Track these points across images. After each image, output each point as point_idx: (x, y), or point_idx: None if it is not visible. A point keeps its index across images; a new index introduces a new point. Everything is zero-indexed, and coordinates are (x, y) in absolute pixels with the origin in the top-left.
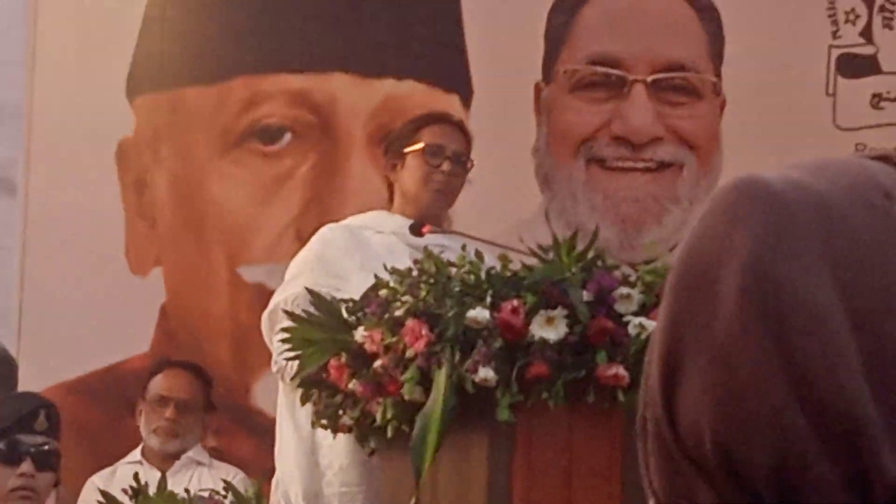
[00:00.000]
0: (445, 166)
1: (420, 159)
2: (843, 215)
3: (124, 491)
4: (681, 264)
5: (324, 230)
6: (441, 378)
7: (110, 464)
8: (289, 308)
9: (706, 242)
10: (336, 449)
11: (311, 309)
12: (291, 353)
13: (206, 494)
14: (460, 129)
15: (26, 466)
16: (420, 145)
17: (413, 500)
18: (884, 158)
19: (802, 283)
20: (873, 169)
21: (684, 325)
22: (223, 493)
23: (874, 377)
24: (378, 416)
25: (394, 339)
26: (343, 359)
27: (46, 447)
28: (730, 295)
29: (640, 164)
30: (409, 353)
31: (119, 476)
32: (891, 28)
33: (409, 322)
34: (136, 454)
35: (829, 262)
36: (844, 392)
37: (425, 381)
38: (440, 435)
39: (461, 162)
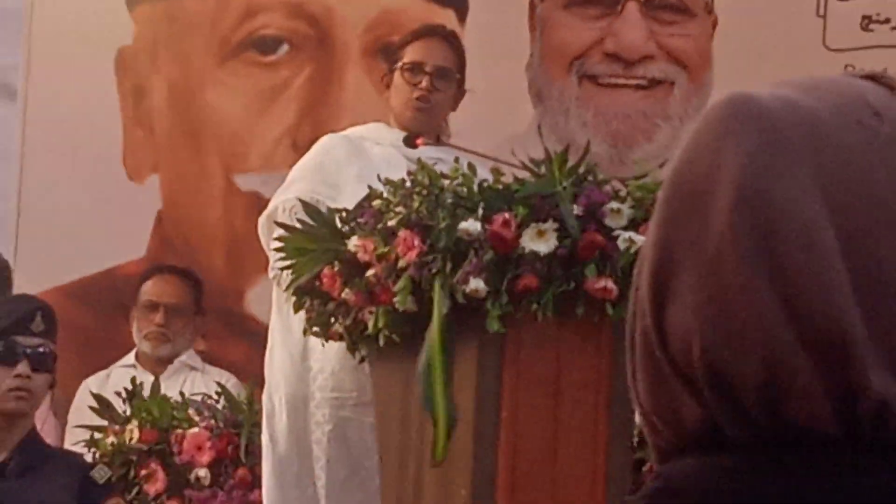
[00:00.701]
0: (425, 83)
1: (402, 77)
2: (833, 134)
3: (118, 394)
4: (672, 179)
5: (325, 139)
6: (436, 319)
7: (105, 367)
8: (283, 219)
9: (698, 158)
10: (328, 355)
11: (306, 218)
12: (285, 263)
13: (198, 398)
14: (450, 41)
15: (22, 367)
16: (399, 63)
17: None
18: (873, 78)
19: (793, 200)
20: (863, 88)
21: (675, 239)
22: (216, 397)
23: (862, 294)
24: (370, 325)
25: (386, 249)
26: (336, 268)
27: (42, 349)
28: (721, 210)
29: (632, 81)
30: (402, 264)
31: (113, 379)
32: None
33: (402, 232)
34: (130, 358)
35: (819, 180)
36: (833, 308)
37: (417, 291)
38: (444, 368)
39: (446, 76)
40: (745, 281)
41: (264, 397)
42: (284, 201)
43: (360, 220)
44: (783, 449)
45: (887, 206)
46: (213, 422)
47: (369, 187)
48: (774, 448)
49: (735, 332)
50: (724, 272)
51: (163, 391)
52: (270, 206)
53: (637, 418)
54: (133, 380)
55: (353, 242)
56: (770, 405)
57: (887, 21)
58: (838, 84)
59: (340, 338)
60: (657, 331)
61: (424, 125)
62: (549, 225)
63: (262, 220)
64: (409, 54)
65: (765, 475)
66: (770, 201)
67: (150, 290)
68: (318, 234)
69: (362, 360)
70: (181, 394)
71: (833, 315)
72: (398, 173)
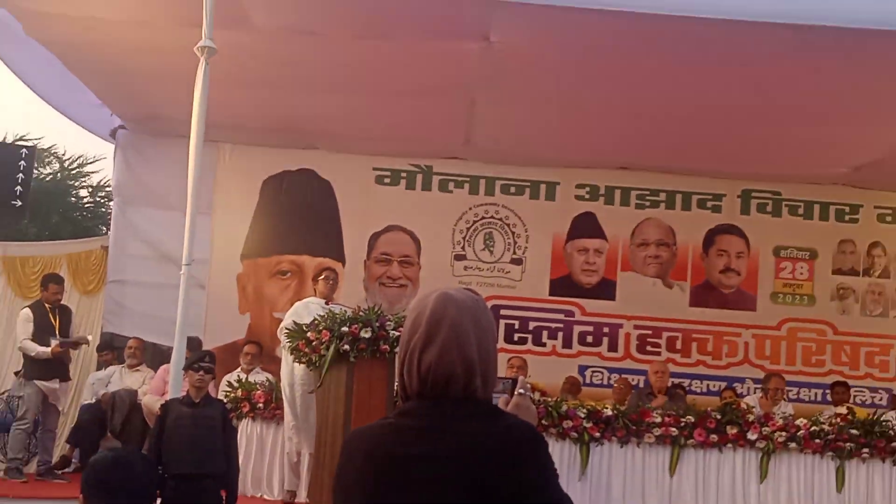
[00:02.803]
0: (327, 287)
1: (319, 283)
2: (473, 306)
3: (235, 381)
4: (429, 317)
5: (297, 303)
6: (327, 358)
7: (229, 372)
8: (286, 327)
9: (437, 310)
10: (300, 370)
11: (293, 327)
12: (287, 340)
13: (260, 381)
14: (334, 272)
15: (201, 374)
16: (318, 279)
17: (316, 388)
18: (468, 288)
19: (467, 329)
20: (467, 290)
21: (430, 333)
22: (266, 382)
23: (479, 353)
24: (314, 360)
25: (318, 335)
26: (303, 342)
27: (209, 365)
28: (445, 329)
29: (396, 284)
30: (324, 341)
31: (233, 377)
32: (470, 247)
33: (324, 332)
34: (238, 370)
35: (472, 324)
36: (471, 356)
37: (329, 353)
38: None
39: (334, 281)
40: (451, 350)
41: (282, 384)
42: (286, 323)
43: (311, 327)
44: (445, 402)
45: (488, 336)
46: (264, 390)
47: (315, 318)
48: (441, 401)
49: (444, 367)
50: (444, 346)
51: (249, 379)
52: (281, 325)
53: (396, 388)
54: (239, 378)
55: (308, 334)
56: (447, 387)
57: (472, 266)
58: (462, 289)
59: (306, 363)
60: (419, 360)
61: (328, 297)
62: (369, 328)
63: (278, 330)
64: (322, 276)
65: (434, 409)
66: (462, 330)
67: (246, 348)
68: (297, 332)
69: (311, 369)
70: (254, 381)
71: (471, 358)
72: (321, 312)
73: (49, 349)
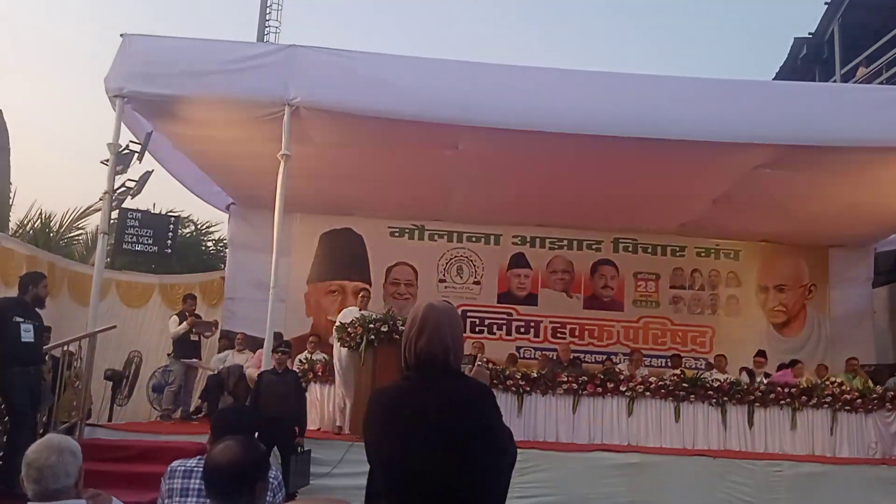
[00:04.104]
0: (364, 302)
1: (358, 299)
2: (448, 311)
3: (302, 359)
4: (421, 318)
5: (343, 311)
6: (363, 347)
7: (300, 353)
8: (337, 325)
9: (425, 315)
10: (345, 351)
11: (340, 325)
12: (337, 334)
13: (319, 360)
14: (368, 291)
15: (281, 354)
16: (359, 296)
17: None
18: (446, 300)
19: (443, 326)
20: (447, 302)
21: (421, 329)
22: (323, 359)
23: (453, 343)
24: (353, 345)
25: (355, 330)
26: (346, 334)
27: (286, 350)
28: (431, 326)
29: (402, 298)
30: (359, 333)
31: (302, 356)
32: (448, 275)
33: (359, 327)
34: (306, 352)
35: (447, 322)
36: (448, 345)
37: (362, 340)
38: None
39: (366, 298)
40: (434, 339)
41: (334, 360)
42: (339, 323)
43: (351, 325)
44: (431, 371)
45: (458, 329)
46: (321, 364)
47: (353, 319)
48: (429, 370)
49: (430, 349)
50: (430, 336)
51: (312, 358)
52: (336, 323)
53: (401, 362)
54: (306, 357)
55: (349, 329)
56: (432, 362)
57: (450, 286)
58: (442, 300)
59: (347, 346)
60: (415, 345)
61: (362, 307)
62: (386, 325)
63: (334, 328)
64: (360, 294)
65: (425, 375)
66: (440, 323)
67: (310, 338)
68: (342, 327)
69: (351, 351)
70: (315, 359)
71: (447, 344)
72: (357, 316)
73: (186, 323)
